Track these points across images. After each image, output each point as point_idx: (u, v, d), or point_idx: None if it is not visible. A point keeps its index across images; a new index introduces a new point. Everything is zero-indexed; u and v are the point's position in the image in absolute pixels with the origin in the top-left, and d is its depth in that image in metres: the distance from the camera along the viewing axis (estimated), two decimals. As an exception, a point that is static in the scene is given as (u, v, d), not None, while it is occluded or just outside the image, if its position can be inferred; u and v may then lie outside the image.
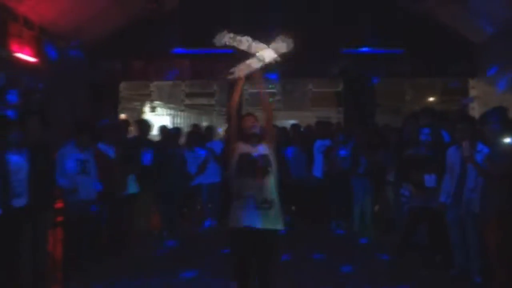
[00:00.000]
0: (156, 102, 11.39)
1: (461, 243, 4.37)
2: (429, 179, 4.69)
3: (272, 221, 3.31)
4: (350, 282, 4.52)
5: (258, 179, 3.31)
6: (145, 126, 6.67)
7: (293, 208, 7.54)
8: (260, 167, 3.34)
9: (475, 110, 8.91)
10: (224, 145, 7.27)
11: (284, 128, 7.96)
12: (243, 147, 3.47)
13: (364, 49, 9.36)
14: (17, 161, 4.18)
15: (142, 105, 11.58)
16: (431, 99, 10.42)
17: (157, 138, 7.30)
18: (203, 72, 9.98)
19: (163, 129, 7.18)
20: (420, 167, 4.75)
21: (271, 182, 3.35)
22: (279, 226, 3.35)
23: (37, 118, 4.62)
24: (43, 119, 4.72)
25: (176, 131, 7.24)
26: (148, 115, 11.16)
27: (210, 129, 7.91)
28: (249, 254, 3.33)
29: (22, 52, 7.06)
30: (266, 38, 3.85)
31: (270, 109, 3.60)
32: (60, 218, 5.10)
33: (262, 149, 3.46)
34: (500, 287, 3.77)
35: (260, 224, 3.26)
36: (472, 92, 9.50)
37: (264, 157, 3.40)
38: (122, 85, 10.35)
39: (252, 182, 3.30)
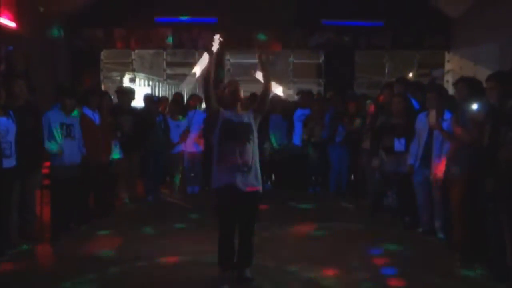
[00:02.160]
0: (136, 73, 11.36)
1: (427, 204, 4.70)
2: (399, 144, 5.01)
3: (250, 183, 3.53)
4: (326, 244, 4.77)
5: (239, 145, 3.50)
6: (129, 93, 6.75)
7: (273, 176, 7.83)
8: (242, 134, 3.52)
9: (450, 83, 9.24)
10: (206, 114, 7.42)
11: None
12: (226, 114, 3.59)
13: (345, 21, 9.52)
14: (4, 123, 4.26)
15: (122, 75, 11.54)
16: (409, 73, 10.72)
17: (140, 106, 7.40)
18: (185, 41, 10.01)
19: (147, 97, 7.27)
20: (391, 133, 5.06)
21: (251, 148, 3.55)
22: (258, 187, 3.58)
23: (22, 81, 4.71)
24: (29, 82, 4.80)
25: (159, 99, 7.34)
26: (127, 85, 11.13)
27: (193, 99, 8.00)
28: (232, 206, 3.56)
29: (1, 16, 6.97)
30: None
31: (269, 82, 3.68)
32: (46, 181, 5.21)
33: (246, 117, 3.61)
34: (459, 241, 4.12)
35: (239, 185, 3.49)
36: (448, 65, 9.82)
37: (246, 125, 3.57)
38: (103, 54, 10.30)
39: (233, 147, 3.49)
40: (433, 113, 4.37)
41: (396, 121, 5.11)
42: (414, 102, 5.21)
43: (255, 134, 3.62)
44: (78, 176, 5.15)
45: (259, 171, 3.61)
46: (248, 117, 3.62)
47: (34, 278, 3.88)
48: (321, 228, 5.26)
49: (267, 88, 3.67)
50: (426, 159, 4.59)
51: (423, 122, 4.67)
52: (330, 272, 3.90)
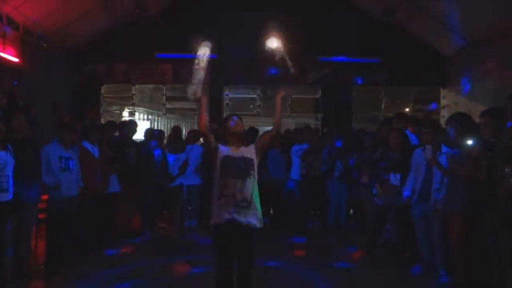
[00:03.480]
0: (137, 108, 11.47)
1: (426, 238, 4.66)
2: (394, 178, 5.03)
3: (250, 218, 3.49)
4: (323, 279, 4.73)
5: (239, 181, 3.48)
6: (131, 126, 6.81)
7: (271, 210, 7.78)
8: (241, 170, 3.50)
9: (445, 118, 9.35)
10: (205, 152, 7.47)
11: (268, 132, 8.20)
12: (225, 150, 3.58)
13: (342, 57, 9.73)
14: (3, 157, 4.29)
15: (121, 109, 11.65)
16: (405, 108, 10.85)
17: (140, 140, 7.44)
18: (185, 76, 10.15)
19: (148, 131, 7.34)
20: (388, 168, 5.09)
21: (251, 183, 3.52)
22: (257, 223, 3.54)
23: (23, 115, 4.77)
24: (29, 116, 4.87)
25: (159, 133, 7.41)
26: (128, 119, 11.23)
27: (193, 133, 8.06)
28: (231, 243, 3.51)
29: (5, 52, 7.12)
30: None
31: (279, 122, 3.69)
32: (43, 215, 5.17)
33: (246, 152, 3.59)
34: (460, 277, 4.06)
35: (238, 219, 3.46)
36: (443, 101, 9.96)
37: (246, 160, 3.55)
38: (104, 88, 10.45)
39: (234, 183, 3.47)
40: (429, 148, 4.42)
41: (393, 156, 5.15)
42: (412, 137, 5.26)
43: (256, 169, 3.59)
44: (75, 209, 5.12)
45: (258, 207, 3.58)
46: (249, 153, 3.60)
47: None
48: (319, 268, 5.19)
49: (278, 125, 3.67)
50: (425, 193, 4.59)
51: (420, 157, 4.70)
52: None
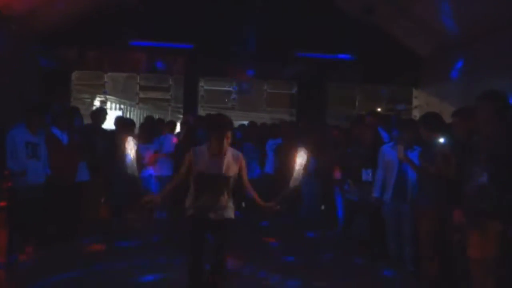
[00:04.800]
0: (108, 96, 11.22)
1: (396, 234, 4.73)
2: (366, 174, 5.09)
3: (223, 215, 3.53)
4: (294, 273, 4.72)
5: (215, 196, 3.47)
6: (101, 114, 6.63)
7: (243, 204, 7.75)
8: (216, 186, 3.45)
9: (416, 118, 9.54)
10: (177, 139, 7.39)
11: (242, 125, 8.19)
12: (202, 161, 3.43)
13: (318, 54, 9.77)
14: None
15: (93, 97, 11.37)
16: (378, 106, 11.02)
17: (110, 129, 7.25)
18: (159, 66, 10.00)
19: (118, 119, 7.15)
20: (360, 164, 5.14)
21: (225, 197, 3.50)
22: (230, 216, 3.57)
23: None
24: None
25: (130, 122, 7.24)
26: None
27: (162, 123, 7.92)
28: (204, 233, 3.57)
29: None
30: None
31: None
32: (3, 203, 4.98)
33: (228, 166, 3.44)
34: (426, 274, 4.15)
35: (212, 217, 3.50)
36: (415, 101, 10.17)
37: (224, 178, 3.45)
38: (75, 75, 10.14)
39: (209, 196, 3.47)
40: (401, 147, 4.50)
41: (365, 152, 5.20)
42: (384, 134, 5.33)
43: (232, 183, 3.52)
44: (41, 197, 4.95)
45: (231, 205, 3.59)
46: (229, 167, 3.45)
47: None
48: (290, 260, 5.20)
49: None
50: (399, 190, 4.65)
51: (391, 154, 4.76)
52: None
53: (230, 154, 3.49)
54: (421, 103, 9.90)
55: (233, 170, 3.47)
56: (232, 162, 3.47)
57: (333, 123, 8.67)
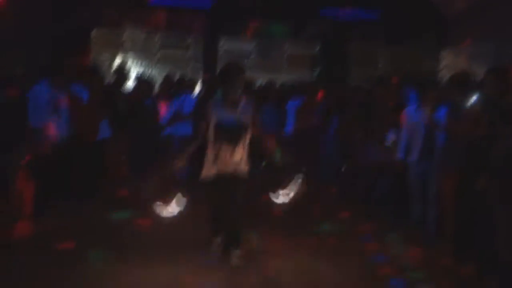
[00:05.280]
0: (128, 56, 11.14)
1: (421, 196, 4.66)
2: (390, 135, 4.98)
3: (239, 169, 3.70)
4: (313, 233, 4.74)
5: (232, 144, 3.61)
6: (122, 73, 6.60)
7: (263, 163, 7.74)
8: (233, 135, 3.61)
9: (443, 79, 9.23)
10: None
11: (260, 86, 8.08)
12: (218, 115, 3.60)
13: (341, 13, 9.43)
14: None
15: (113, 57, 11.30)
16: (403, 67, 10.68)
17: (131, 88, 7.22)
18: (178, 24, 9.83)
19: (138, 78, 7.11)
20: (384, 124, 5.03)
21: (242, 147, 3.67)
22: (244, 173, 3.74)
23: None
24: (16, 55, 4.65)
25: (150, 80, 7.20)
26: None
27: (182, 81, 7.84)
28: (221, 188, 3.69)
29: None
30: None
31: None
32: (28, 157, 5.05)
33: (243, 113, 3.63)
34: (447, 234, 4.12)
35: (228, 173, 3.67)
36: (442, 62, 9.81)
37: (241, 125, 3.62)
38: (94, 34, 10.06)
39: (226, 149, 3.62)
40: (427, 109, 4.36)
41: (389, 113, 5.07)
42: (410, 95, 5.17)
43: (248, 132, 3.67)
44: (63, 153, 5.00)
45: (247, 160, 3.74)
46: (244, 114, 3.64)
47: (13, 254, 3.76)
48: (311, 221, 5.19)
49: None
50: (426, 152, 4.54)
51: (415, 116, 4.62)
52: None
53: (243, 103, 3.65)
54: (448, 63, 9.54)
55: (247, 119, 3.62)
56: (246, 111, 3.65)
57: (356, 84, 8.44)
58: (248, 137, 3.67)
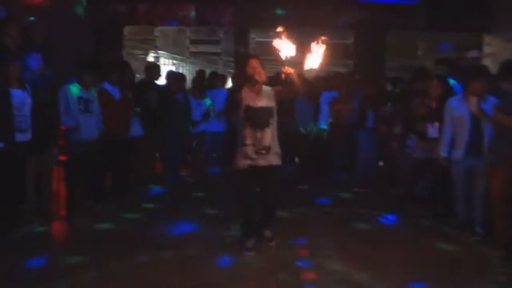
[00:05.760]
0: (160, 52, 11.15)
1: (466, 194, 4.33)
2: (433, 129, 4.65)
3: (269, 160, 3.78)
4: (355, 233, 4.53)
5: (259, 130, 3.71)
6: (154, 69, 6.54)
7: (296, 159, 7.55)
8: (261, 119, 3.71)
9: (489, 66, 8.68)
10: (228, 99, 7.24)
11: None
12: (248, 98, 3.74)
13: (377, -1, 9.03)
14: (20, 96, 4.13)
15: (146, 53, 11.34)
16: (444, 56, 10.12)
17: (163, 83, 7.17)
18: (209, 18, 9.70)
19: (170, 74, 7.03)
20: (425, 118, 4.70)
21: (270, 131, 3.76)
22: (277, 162, 3.83)
23: (39, 54, 4.54)
24: (47, 55, 4.65)
25: (181, 75, 7.12)
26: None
27: (215, 76, 7.72)
28: (252, 180, 3.80)
29: (23, -12, 6.80)
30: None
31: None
32: (62, 157, 5.08)
33: (267, 99, 3.77)
34: (499, 233, 3.80)
35: (258, 164, 3.76)
36: (487, 49, 9.22)
37: (266, 109, 3.74)
38: (126, 30, 10.09)
39: (253, 133, 3.72)
40: (473, 99, 4.02)
41: (432, 105, 4.73)
42: (455, 85, 4.81)
43: (275, 117, 3.81)
44: (95, 152, 5.00)
45: (279, 151, 3.84)
46: (269, 100, 3.78)
47: (45, 255, 3.75)
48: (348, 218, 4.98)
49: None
50: (473, 147, 4.19)
51: (461, 108, 4.29)
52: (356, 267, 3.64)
53: (265, 88, 3.83)
54: (493, 50, 8.95)
55: (271, 102, 3.78)
56: (269, 95, 3.78)
57: (393, 75, 8.06)
58: (274, 122, 3.79)
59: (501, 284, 3.36)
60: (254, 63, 3.75)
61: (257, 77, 3.70)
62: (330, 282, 3.36)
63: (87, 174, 4.97)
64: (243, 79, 3.79)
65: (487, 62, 9.01)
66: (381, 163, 7.02)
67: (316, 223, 4.80)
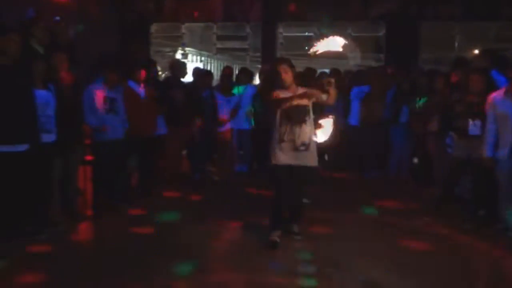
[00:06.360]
0: (188, 49, 11.08)
1: (511, 196, 4.01)
2: (474, 127, 4.34)
3: (307, 160, 3.88)
4: (388, 234, 4.31)
5: (298, 127, 3.82)
6: (179, 67, 6.43)
7: (326, 157, 7.30)
8: (298, 115, 3.83)
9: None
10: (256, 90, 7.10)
11: (324, 73, 7.58)
12: (284, 96, 3.87)
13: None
14: (44, 97, 4.09)
15: (174, 51, 11.31)
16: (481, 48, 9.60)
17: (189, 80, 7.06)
18: (236, 14, 9.57)
19: (196, 70, 6.91)
20: (467, 114, 4.38)
21: (308, 129, 3.87)
22: (314, 163, 3.94)
23: (64, 54, 4.50)
24: (71, 55, 4.61)
25: (208, 72, 6.99)
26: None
27: (244, 73, 7.54)
28: (285, 181, 3.91)
29: (50, -12, 6.83)
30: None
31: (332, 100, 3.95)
32: (89, 157, 5.04)
33: (302, 98, 3.86)
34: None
35: (296, 162, 3.86)
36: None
37: (302, 107, 3.85)
38: (153, 28, 10.08)
39: (293, 130, 3.83)
40: None
41: (473, 100, 4.40)
42: (500, 79, 4.46)
43: (311, 114, 3.90)
44: (121, 152, 4.93)
45: (315, 150, 3.93)
46: (303, 99, 3.86)
47: (72, 257, 3.70)
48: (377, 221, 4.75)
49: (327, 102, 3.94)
50: None
51: (506, 105, 3.96)
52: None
53: (299, 89, 3.94)
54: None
55: (304, 102, 3.87)
56: (302, 95, 3.86)
57: (429, 68, 7.67)
58: (311, 119, 3.90)
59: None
60: (282, 68, 3.92)
61: (285, 81, 3.89)
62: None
63: (114, 174, 4.90)
64: (273, 84, 4.00)
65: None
66: (415, 161, 6.70)
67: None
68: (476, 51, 9.09)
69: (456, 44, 9.15)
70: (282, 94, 3.88)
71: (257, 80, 7.91)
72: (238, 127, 7.01)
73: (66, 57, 4.47)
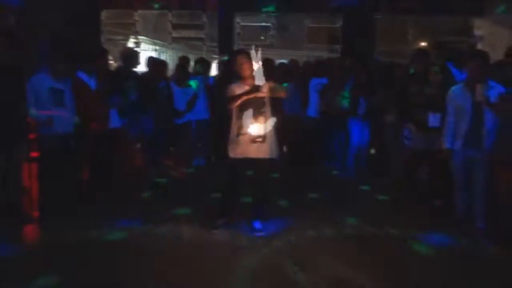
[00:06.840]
0: (141, 37, 10.65)
1: (467, 187, 4.10)
2: (434, 119, 4.39)
3: (265, 151, 3.94)
4: (349, 226, 4.31)
5: (254, 120, 3.86)
6: (132, 56, 6.09)
7: (284, 148, 7.25)
8: (255, 108, 3.86)
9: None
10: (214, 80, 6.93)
11: (283, 64, 7.49)
12: (238, 90, 3.90)
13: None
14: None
15: (126, 39, 10.85)
16: (434, 40, 9.88)
17: (143, 71, 6.75)
18: (192, 1, 9.28)
19: (150, 60, 6.60)
20: (426, 106, 4.43)
21: (264, 120, 3.89)
22: (272, 155, 3.99)
23: (5, 39, 4.12)
24: (13, 41, 4.22)
25: (163, 62, 6.70)
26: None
27: (201, 63, 7.30)
28: (242, 174, 4.04)
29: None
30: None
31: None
32: (34, 153, 4.67)
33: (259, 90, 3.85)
34: (504, 228, 3.59)
35: (254, 154, 3.92)
36: (477, 32, 9.01)
37: (259, 100, 3.87)
38: (104, 15, 9.58)
39: (248, 122, 3.87)
40: (480, 89, 3.76)
41: (432, 93, 4.46)
42: (456, 72, 4.54)
43: (269, 106, 3.95)
44: (70, 147, 4.61)
45: (274, 141, 3.98)
46: (261, 91, 3.84)
47: (18, 261, 3.44)
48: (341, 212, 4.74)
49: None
50: (472, 138, 3.95)
51: (462, 97, 4.03)
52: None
53: (255, 82, 3.90)
54: (484, 33, 8.75)
55: (262, 94, 3.85)
56: (257, 88, 3.84)
57: (385, 60, 7.78)
58: (269, 111, 3.94)
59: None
60: (240, 59, 3.91)
61: (244, 74, 3.90)
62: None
63: (62, 171, 4.57)
64: (231, 77, 4.02)
65: (479, 45, 8.83)
66: (372, 151, 6.79)
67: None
68: (424, 44, 9.37)
69: (410, 37, 9.35)
70: (239, 88, 3.89)
71: (214, 71, 7.72)
72: (196, 118, 6.81)
73: (8, 42, 4.09)
